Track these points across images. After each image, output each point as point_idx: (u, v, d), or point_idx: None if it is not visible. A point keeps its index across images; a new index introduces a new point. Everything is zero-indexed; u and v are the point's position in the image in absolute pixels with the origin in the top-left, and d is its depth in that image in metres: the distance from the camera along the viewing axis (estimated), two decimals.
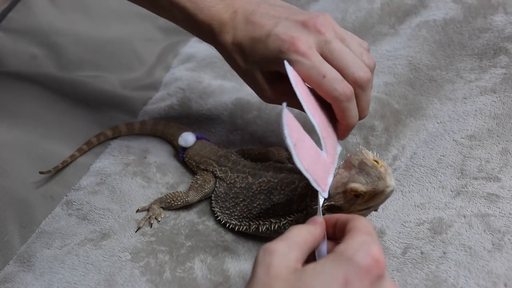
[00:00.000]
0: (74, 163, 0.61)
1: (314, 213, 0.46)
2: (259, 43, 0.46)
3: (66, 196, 0.58)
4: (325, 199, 0.44)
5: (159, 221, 0.54)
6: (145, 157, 0.63)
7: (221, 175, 0.56)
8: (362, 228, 0.35)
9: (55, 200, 0.57)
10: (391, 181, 0.42)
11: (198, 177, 0.57)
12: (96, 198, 0.57)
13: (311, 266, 0.33)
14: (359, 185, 0.42)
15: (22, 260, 0.51)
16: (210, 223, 0.55)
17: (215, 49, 0.52)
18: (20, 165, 0.58)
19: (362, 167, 0.43)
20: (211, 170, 0.57)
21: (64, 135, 0.64)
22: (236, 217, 0.52)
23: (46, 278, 0.49)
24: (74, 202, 0.57)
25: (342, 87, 0.44)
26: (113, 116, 0.69)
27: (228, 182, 0.55)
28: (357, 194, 0.42)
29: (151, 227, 0.53)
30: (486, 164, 0.52)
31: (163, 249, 0.51)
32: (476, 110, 0.57)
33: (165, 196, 0.55)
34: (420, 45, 0.66)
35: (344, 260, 0.32)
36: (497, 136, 0.54)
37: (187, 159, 0.60)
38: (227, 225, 0.53)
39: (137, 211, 0.55)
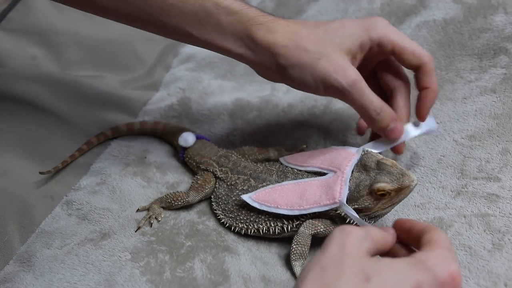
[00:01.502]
0: (74, 163, 0.61)
1: (325, 213, 0.48)
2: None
3: (66, 196, 0.58)
4: (347, 202, 0.46)
5: (159, 220, 0.54)
6: (145, 157, 0.63)
7: (222, 175, 0.56)
8: (443, 242, 0.35)
9: (55, 200, 0.57)
10: (414, 175, 0.44)
11: (198, 177, 0.57)
12: (96, 198, 0.57)
13: (387, 260, 0.33)
14: (385, 184, 0.44)
15: (22, 260, 0.51)
16: (210, 223, 0.55)
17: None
18: (20, 165, 0.58)
19: (381, 167, 0.45)
20: (211, 170, 0.57)
21: (64, 135, 0.64)
22: (242, 220, 0.52)
23: (46, 278, 0.49)
24: (74, 202, 0.57)
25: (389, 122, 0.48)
26: (113, 116, 0.69)
27: (228, 183, 0.55)
28: (383, 194, 0.44)
29: (151, 226, 0.53)
30: (486, 164, 0.52)
31: (163, 249, 0.51)
32: (476, 110, 0.57)
33: (165, 196, 0.55)
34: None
35: (422, 267, 0.32)
36: (497, 136, 0.54)
37: (187, 159, 0.60)
38: (233, 228, 0.53)
39: (137, 210, 0.55)
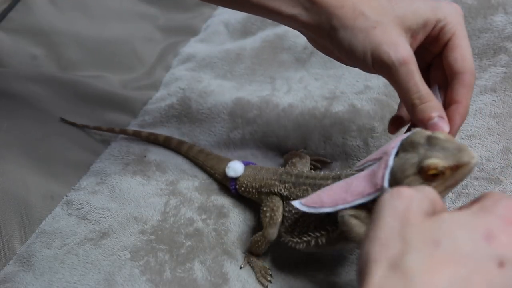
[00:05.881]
0: (74, 163, 0.61)
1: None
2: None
3: (66, 196, 0.58)
4: (388, 187, 0.38)
5: (270, 274, 0.50)
6: (145, 156, 0.63)
7: (286, 193, 0.50)
8: (495, 193, 0.32)
9: (55, 200, 0.57)
10: (473, 152, 0.36)
11: (264, 209, 0.51)
12: (96, 198, 0.57)
13: (447, 215, 0.30)
14: (439, 161, 0.35)
15: (22, 260, 0.51)
16: (210, 221, 0.55)
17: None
18: (20, 165, 0.58)
19: (433, 142, 0.37)
20: (275, 191, 0.51)
21: (64, 135, 0.64)
22: (295, 234, 0.47)
23: (46, 278, 0.49)
24: (74, 202, 0.57)
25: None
26: (113, 116, 0.69)
27: (292, 198, 0.48)
28: (435, 173, 0.36)
29: (271, 282, 0.50)
30: (487, 163, 0.52)
31: (162, 248, 0.51)
32: (476, 110, 0.57)
33: (249, 248, 0.52)
34: None
35: (484, 213, 0.29)
36: (498, 134, 0.53)
37: (242, 189, 0.55)
38: (290, 244, 0.48)
39: (240, 268, 0.51)
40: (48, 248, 0.52)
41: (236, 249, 0.52)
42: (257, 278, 0.49)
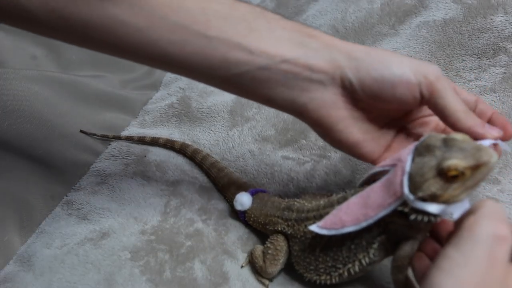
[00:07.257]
0: (74, 163, 0.61)
1: (398, 228, 0.41)
2: None
3: (66, 196, 0.58)
4: (409, 194, 0.37)
5: (270, 280, 0.50)
6: (145, 156, 0.63)
7: (291, 231, 0.48)
8: None
9: (55, 200, 0.57)
10: (492, 151, 0.35)
11: (268, 245, 0.49)
12: (96, 198, 0.57)
13: None
14: (458, 161, 0.35)
15: (22, 260, 0.51)
16: (211, 222, 0.55)
17: None
18: (20, 165, 0.58)
19: (449, 144, 0.36)
20: (279, 229, 0.49)
21: (64, 135, 0.64)
22: (322, 269, 0.45)
23: (46, 278, 0.49)
24: (74, 202, 0.57)
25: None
26: (113, 116, 0.69)
27: (299, 236, 0.47)
28: (455, 175, 0.35)
29: (271, 281, 0.50)
30: None
31: (163, 248, 0.51)
32: None
33: (249, 259, 0.51)
34: (419, 45, 0.66)
35: None
36: None
37: (251, 222, 0.53)
38: (318, 282, 0.46)
39: (241, 267, 0.51)
40: (48, 248, 0.52)
41: (236, 249, 0.52)
42: (258, 278, 0.50)
